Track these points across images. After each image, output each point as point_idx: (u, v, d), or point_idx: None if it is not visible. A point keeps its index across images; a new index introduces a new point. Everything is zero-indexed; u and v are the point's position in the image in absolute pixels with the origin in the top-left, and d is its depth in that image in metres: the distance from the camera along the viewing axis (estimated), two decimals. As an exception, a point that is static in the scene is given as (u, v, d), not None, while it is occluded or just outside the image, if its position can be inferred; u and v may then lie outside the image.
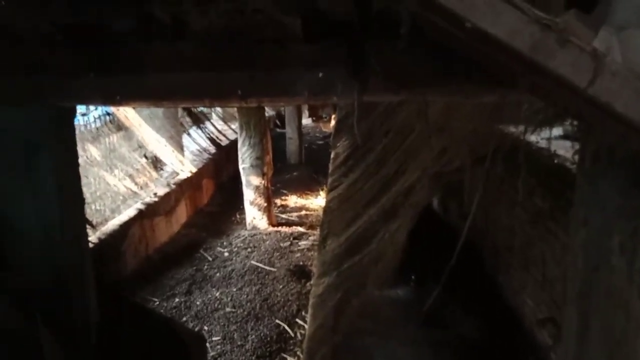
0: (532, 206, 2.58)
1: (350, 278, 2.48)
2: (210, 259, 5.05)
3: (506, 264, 3.25)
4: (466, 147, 2.17)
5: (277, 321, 3.77)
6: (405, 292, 3.84)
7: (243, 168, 5.74)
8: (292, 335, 3.58)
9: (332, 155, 5.40)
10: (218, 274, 4.64)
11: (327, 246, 3.08)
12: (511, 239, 3.11)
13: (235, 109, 6.71)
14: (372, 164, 3.65)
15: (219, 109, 10.10)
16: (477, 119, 2.39)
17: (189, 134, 7.77)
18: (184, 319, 3.86)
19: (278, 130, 12.46)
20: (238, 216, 6.42)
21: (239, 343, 3.51)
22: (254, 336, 3.57)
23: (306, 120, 13.93)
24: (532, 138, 2.62)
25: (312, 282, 2.94)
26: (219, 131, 8.99)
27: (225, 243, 5.48)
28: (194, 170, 6.68)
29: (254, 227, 5.82)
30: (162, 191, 5.64)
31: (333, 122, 11.83)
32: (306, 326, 3.03)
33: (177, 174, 6.38)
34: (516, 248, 3.07)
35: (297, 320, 3.77)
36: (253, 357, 3.37)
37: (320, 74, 1.46)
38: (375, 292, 3.48)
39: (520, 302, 2.98)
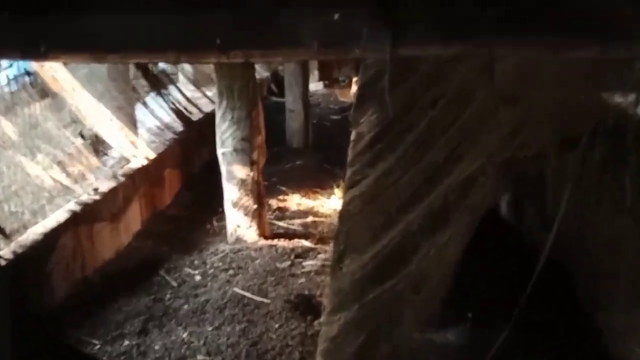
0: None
1: (377, 314, 2.49)
2: (174, 284, 5.05)
3: (608, 297, 3.22)
4: (550, 124, 2.16)
5: (272, 376, 3.79)
6: (458, 336, 3.85)
7: (223, 153, 5.76)
8: (293, 397, 3.58)
9: (352, 136, 5.41)
10: (186, 307, 4.63)
11: (345, 267, 3.09)
12: (616, 261, 3.09)
13: (213, 67, 6.71)
14: (411, 148, 3.66)
15: (188, 68, 10.13)
16: (567, 84, 2.37)
17: (145, 104, 7.81)
18: (137, 370, 3.89)
19: (274, 99, 12.48)
20: (215, 223, 6.41)
21: (216, 408, 3.51)
22: (237, 397, 3.58)
23: (315, 85, 13.93)
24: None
25: (322, 319, 2.94)
26: (189, 100, 9.02)
27: (196, 262, 5.48)
28: (152, 156, 6.71)
29: (239, 240, 5.83)
30: (105, 186, 5.67)
31: (354, 88, 11.86)
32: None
33: (128, 161, 6.42)
34: (623, 273, 3.05)
35: (300, 375, 3.77)
36: None
37: (336, 16, 1.46)
38: (415, 335, 3.48)
39: (626, 351, 2.96)
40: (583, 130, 1.82)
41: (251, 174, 5.79)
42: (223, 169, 5.82)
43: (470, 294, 4.19)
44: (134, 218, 6.12)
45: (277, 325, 4.29)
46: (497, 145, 2.52)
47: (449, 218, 2.55)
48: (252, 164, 5.78)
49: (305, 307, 4.52)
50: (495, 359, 3.59)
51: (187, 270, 5.32)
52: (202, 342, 4.13)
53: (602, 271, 3.28)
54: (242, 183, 5.77)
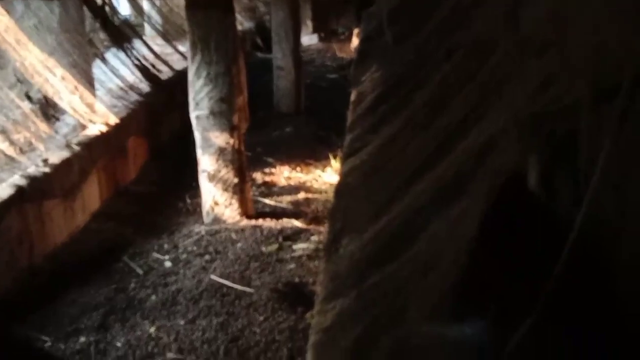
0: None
1: (378, 302, 2.49)
2: (140, 272, 5.09)
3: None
4: (586, 74, 2.15)
5: (255, 377, 3.81)
6: (476, 331, 3.88)
7: (197, 117, 5.75)
8: (280, 399, 3.62)
9: (352, 97, 5.42)
10: (154, 297, 4.66)
11: (342, 249, 3.10)
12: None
13: (185, 18, 6.65)
14: (421, 110, 3.66)
15: (156, 18, 10.08)
16: (606, 25, 2.35)
17: (104, 60, 7.79)
18: (95, 370, 3.89)
19: (260, 55, 12.46)
20: (188, 201, 6.47)
21: (188, 412, 3.55)
22: (214, 401, 3.61)
23: (309, 39, 13.90)
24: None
25: (314, 308, 2.96)
26: (157, 56, 9.01)
27: (166, 246, 5.52)
28: (113, 121, 6.71)
29: (217, 220, 5.87)
30: (57, 157, 5.66)
31: (355, 42, 11.85)
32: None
33: (84, 127, 6.40)
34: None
35: (289, 373, 3.80)
36: None
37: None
38: (423, 327, 3.49)
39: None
40: (623, 79, 1.80)
41: (231, 141, 5.78)
42: (197, 135, 5.81)
43: (492, 283, 4.22)
44: (92, 195, 6.13)
45: (261, 318, 4.32)
46: (522, 102, 2.51)
47: (464, 188, 2.55)
48: (232, 129, 5.77)
49: (295, 297, 4.56)
50: (518, 357, 3.62)
51: (155, 255, 5.35)
52: (172, 337, 4.16)
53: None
54: (221, 152, 5.77)
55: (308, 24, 14.04)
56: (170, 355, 4.00)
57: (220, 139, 5.75)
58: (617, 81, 2.07)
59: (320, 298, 2.92)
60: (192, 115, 5.78)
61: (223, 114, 5.72)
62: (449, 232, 2.40)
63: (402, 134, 3.56)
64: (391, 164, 3.40)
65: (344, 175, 3.82)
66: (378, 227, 2.96)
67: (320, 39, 14.13)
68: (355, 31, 11.87)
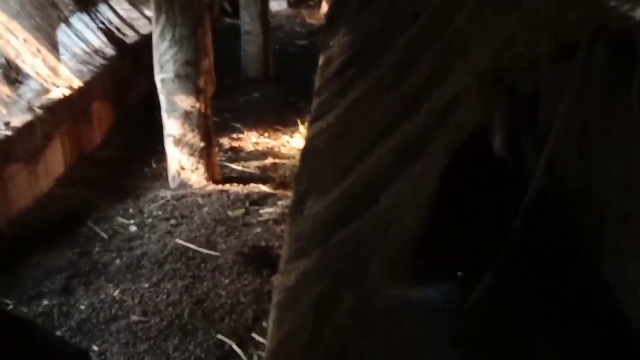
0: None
1: (342, 259, 2.51)
2: (104, 236, 5.07)
3: (617, 246, 3.28)
4: (549, 30, 2.16)
5: (220, 337, 3.83)
6: (441, 293, 3.92)
7: (163, 80, 5.70)
8: (245, 359, 3.63)
9: (320, 62, 5.40)
10: (118, 262, 4.67)
11: (307, 211, 3.11)
12: (627, 202, 3.13)
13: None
14: (388, 72, 3.67)
15: (122, -19, 9.94)
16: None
17: (68, 24, 7.67)
18: (59, 332, 3.85)
19: (228, 20, 12.33)
20: (154, 166, 6.44)
21: (152, 373, 3.57)
22: (178, 361, 3.63)
23: (278, 4, 13.80)
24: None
25: (279, 270, 2.98)
26: (123, 20, 8.88)
27: (131, 211, 5.51)
28: (78, 85, 6.62)
29: (183, 185, 5.86)
30: (20, 120, 5.58)
31: (325, 8, 11.77)
32: (267, 344, 3.09)
33: (48, 91, 6.32)
34: (635, 217, 3.10)
35: (254, 335, 3.82)
36: (177, 395, 3.45)
37: None
38: (385, 290, 3.53)
39: (638, 307, 3.03)
40: (583, 36, 1.82)
41: (197, 105, 5.74)
42: (163, 99, 5.77)
43: (455, 244, 4.26)
44: (56, 160, 6.06)
45: (227, 282, 4.35)
46: (486, 60, 2.53)
47: (427, 147, 2.56)
48: (198, 93, 5.73)
49: (261, 260, 4.59)
50: (477, 315, 3.66)
51: (121, 220, 5.34)
52: (137, 300, 4.18)
53: (611, 215, 3.33)
54: (187, 116, 5.73)
55: (277, -11, 13.95)
56: (134, 318, 4.01)
57: (186, 103, 5.71)
58: (578, 38, 2.09)
59: (285, 259, 2.93)
60: (157, 78, 5.73)
61: (189, 78, 5.67)
62: (411, 188, 2.42)
63: (368, 97, 3.56)
64: (357, 127, 3.42)
65: (311, 139, 3.82)
66: (343, 188, 2.97)
67: (290, 5, 14.03)
68: (325, -3, 11.82)
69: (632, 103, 2.43)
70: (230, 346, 3.73)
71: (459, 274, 4.09)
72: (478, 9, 2.81)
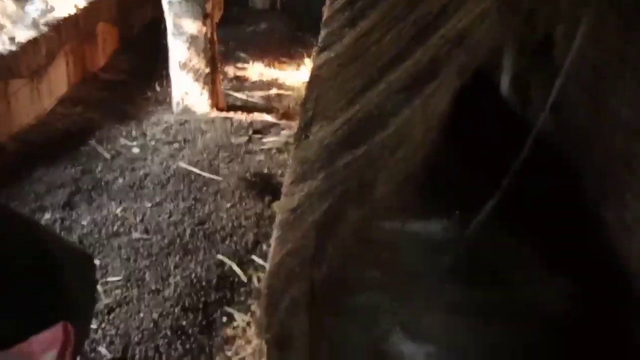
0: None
1: (347, 180, 2.53)
2: (107, 156, 5.10)
3: (619, 188, 3.30)
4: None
5: (220, 257, 3.88)
6: (441, 228, 3.96)
7: (169, 2, 5.64)
8: (244, 279, 3.69)
9: (329, -7, 5.28)
10: (120, 181, 4.71)
11: (312, 135, 3.13)
12: (633, 144, 3.14)
13: None
14: (401, 1, 3.64)
15: None
16: None
17: (75, -58, 7.57)
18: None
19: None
20: (158, 89, 6.42)
21: (152, 287, 3.61)
22: (178, 278, 3.67)
23: None
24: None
25: (283, 191, 3.01)
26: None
27: (134, 133, 5.51)
28: (83, 5, 6.54)
29: (187, 110, 5.86)
30: (23, 36, 5.53)
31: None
32: (267, 264, 3.13)
33: (53, 9, 6.26)
34: (638, 159, 3.12)
35: (254, 257, 3.88)
36: (175, 310, 3.47)
37: None
38: (389, 224, 3.58)
39: (636, 246, 3.06)
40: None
41: (204, 29, 5.70)
42: (169, 21, 5.71)
43: (460, 184, 4.28)
44: (60, 79, 6.03)
45: (228, 205, 4.39)
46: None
47: (438, 72, 2.56)
48: (205, 16, 5.68)
49: (263, 186, 4.63)
50: (484, 257, 3.71)
51: (123, 141, 5.35)
52: (138, 218, 4.23)
53: (615, 157, 3.35)
54: (193, 40, 5.69)
55: None
56: (136, 234, 4.05)
57: (193, 26, 5.66)
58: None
59: (289, 182, 2.96)
60: (164, 0, 5.68)
61: (196, 0, 5.62)
62: (421, 109, 2.43)
63: (379, 25, 3.53)
64: (366, 55, 3.40)
65: (317, 68, 3.80)
66: (350, 113, 2.98)
67: (300, -64, 13.82)
68: None
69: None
70: (230, 266, 3.78)
71: (457, 212, 4.13)
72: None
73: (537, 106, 4.10)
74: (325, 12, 4.85)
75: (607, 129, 3.43)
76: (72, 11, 6.34)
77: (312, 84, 3.83)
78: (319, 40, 3.99)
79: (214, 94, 5.90)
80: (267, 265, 3.01)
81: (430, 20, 3.06)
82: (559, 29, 2.93)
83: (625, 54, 3.02)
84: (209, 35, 5.74)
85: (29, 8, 6.35)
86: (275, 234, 2.78)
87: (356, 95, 3.08)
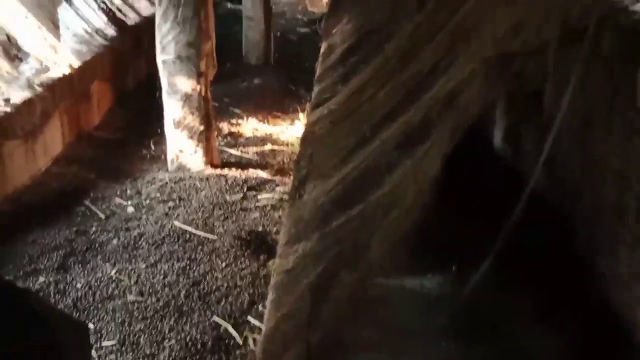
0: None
1: (341, 242, 2.54)
2: (102, 216, 5.08)
3: (611, 240, 3.31)
4: (556, 16, 2.20)
5: (215, 319, 3.83)
6: (437, 284, 3.95)
7: (164, 61, 5.69)
8: (239, 341, 3.63)
9: (322, 49, 5.38)
10: (115, 241, 4.68)
11: (307, 195, 3.13)
12: (624, 195, 3.17)
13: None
14: (392, 59, 3.67)
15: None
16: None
17: (70, 3, 7.67)
18: (55, 310, 3.90)
19: (230, 5, 12.33)
20: (153, 147, 6.44)
21: (147, 352, 3.55)
22: (173, 341, 3.62)
23: (281, -10, 13.80)
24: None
25: (277, 252, 3.00)
26: (124, 0, 8.88)
27: (129, 192, 5.51)
28: (77, 64, 6.62)
29: (181, 168, 5.87)
30: (19, 97, 5.57)
31: (327, -6, 11.74)
32: (263, 325, 3.11)
33: (48, 69, 6.32)
34: (631, 210, 3.13)
35: (250, 318, 3.82)
36: (170, 375, 3.45)
37: None
38: (383, 280, 3.57)
39: (632, 301, 3.06)
40: (589, 24, 1.85)
41: (198, 87, 5.74)
42: (164, 80, 5.76)
43: (455, 238, 4.28)
44: (55, 139, 6.06)
45: (223, 264, 4.36)
46: (493, 47, 2.55)
47: (429, 132, 2.59)
48: (199, 75, 5.73)
49: (258, 245, 4.60)
50: (480, 311, 3.70)
51: (118, 200, 5.34)
52: (133, 280, 4.19)
53: (607, 207, 3.37)
54: (187, 98, 5.74)
55: (280, -24, 13.93)
56: (130, 297, 4.01)
57: (187, 84, 5.71)
58: (584, 26, 2.12)
59: (283, 242, 2.96)
60: (159, 59, 5.72)
61: (190, 59, 5.66)
62: (413, 172, 2.45)
63: (371, 83, 3.57)
64: (359, 113, 3.42)
65: (311, 124, 3.82)
66: (343, 172, 3.00)
67: (292, -8, 14.03)
68: (328, -16, 11.79)
69: (632, 95, 2.46)
70: (226, 328, 3.72)
71: (454, 267, 4.13)
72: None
73: (530, 158, 4.13)
74: (318, 68, 4.89)
75: (598, 179, 3.45)
76: (67, 71, 6.41)
77: (305, 141, 3.84)
78: (313, 96, 4.01)
79: (208, 151, 5.93)
80: (263, 328, 3.00)
81: (421, 79, 3.09)
82: (548, 84, 2.96)
83: (613, 102, 3.07)
84: (203, 93, 5.79)
85: (23, 68, 6.41)
86: (270, 296, 2.77)
87: (349, 154, 3.10)
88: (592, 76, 2.84)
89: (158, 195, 5.40)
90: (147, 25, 7.05)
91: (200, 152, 5.88)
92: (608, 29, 2.13)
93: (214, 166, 5.96)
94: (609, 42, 2.49)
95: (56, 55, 6.48)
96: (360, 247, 2.45)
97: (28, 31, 6.32)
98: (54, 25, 6.78)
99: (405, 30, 3.75)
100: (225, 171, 5.89)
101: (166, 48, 5.65)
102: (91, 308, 3.93)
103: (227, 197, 5.33)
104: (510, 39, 2.34)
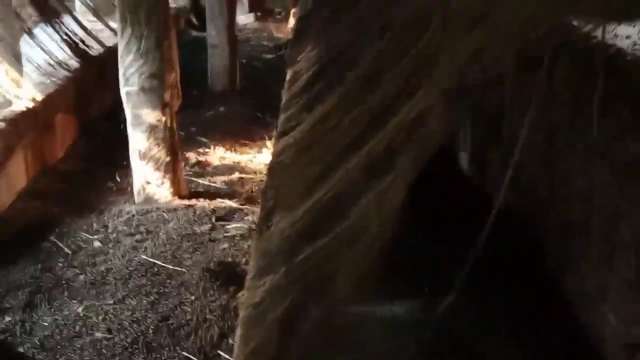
0: (623, 154, 2.65)
1: (308, 274, 2.52)
2: (68, 251, 5.03)
3: (578, 258, 3.34)
4: (513, 46, 2.21)
5: (185, 354, 3.81)
6: (405, 309, 3.95)
7: (128, 93, 5.67)
8: (210, 377, 3.63)
9: (287, 77, 5.39)
10: (82, 277, 4.64)
11: (273, 226, 3.12)
12: (587, 213, 3.19)
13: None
14: (355, 87, 3.69)
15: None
16: (532, 2, 2.43)
17: (31, 35, 7.63)
18: (21, 349, 3.84)
19: (195, 33, 12.35)
20: (119, 180, 6.39)
21: (117, 391, 3.54)
22: (144, 379, 3.62)
23: (245, 17, 13.82)
24: (627, 32, 2.67)
25: (245, 286, 2.98)
26: (87, 32, 8.85)
27: (95, 225, 5.46)
28: (40, 97, 6.58)
29: (148, 200, 5.83)
30: (-19, 133, 5.55)
31: (292, 22, 11.80)
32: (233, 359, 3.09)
33: (10, 103, 6.27)
34: (594, 227, 3.16)
35: (220, 352, 3.81)
36: (142, 414, 3.42)
37: None
38: (352, 307, 3.54)
39: (598, 317, 3.08)
40: (546, 51, 1.87)
41: (163, 118, 5.72)
42: (128, 112, 5.72)
43: (423, 261, 4.29)
44: (18, 173, 6.00)
45: (192, 297, 4.33)
46: (452, 76, 2.57)
47: (392, 163, 2.59)
48: (163, 106, 5.70)
49: (227, 276, 4.57)
50: (446, 329, 3.69)
51: (84, 235, 5.28)
52: (101, 317, 4.14)
53: (572, 225, 3.40)
54: (152, 129, 5.71)
55: (244, 3, 13.96)
56: (98, 334, 3.97)
57: (152, 116, 5.69)
58: (541, 54, 2.14)
59: (251, 275, 2.94)
60: (122, 91, 5.69)
61: (154, 91, 5.64)
62: (376, 204, 2.45)
63: (335, 111, 3.57)
64: (324, 141, 3.43)
65: (277, 154, 3.82)
66: (309, 203, 2.99)
67: (257, 18, 14.06)
68: (293, 11, 11.87)
69: (592, 117, 2.49)
70: (196, 364, 3.72)
71: (425, 289, 4.12)
72: (444, 24, 2.85)
73: (496, 179, 4.16)
74: (284, 96, 4.90)
75: (563, 198, 3.48)
76: (30, 104, 6.35)
77: (272, 171, 3.84)
78: (278, 124, 4.02)
79: (175, 182, 5.90)
80: (232, 363, 2.99)
81: (383, 108, 3.10)
82: (507, 110, 2.99)
83: (574, 123, 3.10)
84: (168, 123, 5.77)
85: (-15, 103, 6.36)
86: (238, 331, 2.74)
87: (315, 183, 3.09)
88: (556, 96, 2.88)
89: (125, 228, 5.35)
90: (111, 55, 7.01)
91: (167, 183, 5.85)
92: (566, 55, 2.16)
93: (181, 197, 5.92)
94: (566, 68, 2.52)
95: (18, 88, 6.42)
96: (327, 280, 2.44)
97: (-11, 65, 6.28)
98: (15, 59, 6.72)
99: (368, 57, 3.78)
100: (193, 201, 5.86)
101: (130, 80, 5.63)
102: (58, 347, 3.89)
103: (196, 228, 5.31)
104: (469, 68, 2.35)
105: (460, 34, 2.68)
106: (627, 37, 2.65)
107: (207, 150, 7.32)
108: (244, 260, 4.74)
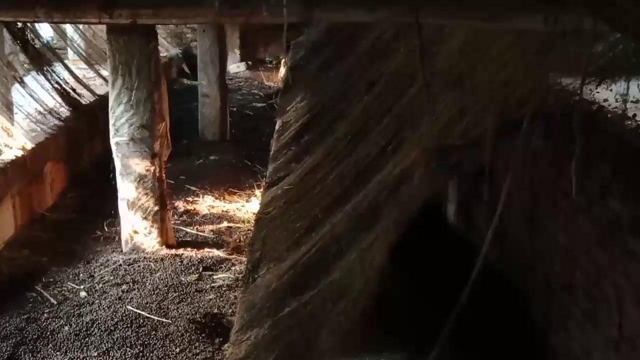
0: (604, 213, 2.69)
1: (291, 330, 2.55)
2: (54, 301, 5.01)
3: (563, 314, 3.37)
4: (494, 107, 2.27)
5: (169, 409, 3.79)
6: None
7: (117, 143, 5.70)
8: None
9: (277, 127, 5.44)
10: (67, 328, 4.60)
11: (260, 278, 3.14)
12: (572, 272, 3.23)
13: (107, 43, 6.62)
14: (343, 140, 3.74)
15: (79, 42, 9.98)
16: (513, 62, 2.50)
17: (22, 84, 7.66)
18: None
19: (186, 82, 12.46)
20: (106, 229, 6.39)
21: None
22: None
23: (237, 67, 13.96)
24: (604, 95, 2.73)
25: (230, 339, 2.99)
26: (79, 80, 8.90)
27: (82, 275, 5.45)
28: (30, 146, 6.60)
29: (136, 249, 5.83)
30: (-31, 182, 5.56)
31: (283, 71, 11.89)
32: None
33: (0, 152, 6.29)
34: (578, 286, 3.19)
35: (207, 409, 3.79)
36: None
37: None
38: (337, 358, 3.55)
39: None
40: (525, 114, 1.92)
41: (152, 168, 5.74)
42: (117, 162, 5.75)
43: (410, 314, 4.29)
44: (6, 222, 5.99)
45: (178, 350, 4.30)
46: (434, 136, 2.62)
47: (379, 217, 2.64)
48: (152, 156, 5.73)
49: (213, 327, 4.54)
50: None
51: (70, 285, 5.26)
52: (85, 370, 4.12)
53: (557, 283, 3.42)
54: (141, 179, 5.73)
55: (236, 52, 14.12)
56: (81, 388, 3.96)
57: (141, 166, 5.71)
58: (521, 115, 2.19)
59: (236, 329, 2.96)
60: (113, 141, 5.72)
61: (143, 141, 5.67)
62: (360, 262, 2.48)
63: (322, 164, 3.62)
64: (311, 194, 3.47)
65: (265, 205, 3.85)
66: (295, 257, 3.02)
67: (248, 67, 14.18)
68: (283, 60, 12.00)
69: (569, 180, 2.53)
70: (181, 418, 3.69)
71: (413, 343, 4.11)
72: (427, 83, 2.90)
73: (481, 233, 4.19)
74: (273, 146, 4.94)
75: (547, 253, 3.52)
76: (19, 153, 6.37)
77: (259, 222, 3.86)
78: (267, 174, 4.04)
79: (163, 232, 5.89)
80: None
81: (369, 163, 3.15)
82: (488, 170, 3.03)
83: (557, 181, 3.15)
84: (157, 173, 5.78)
85: (-25, 151, 6.38)
86: (223, 388, 2.75)
87: (302, 236, 3.12)
88: (538, 154, 2.92)
89: (111, 278, 5.33)
90: (102, 104, 7.06)
91: (155, 232, 5.85)
92: (545, 117, 2.21)
93: (169, 246, 5.92)
94: (545, 130, 2.57)
95: (9, 137, 6.45)
96: (312, 336, 2.46)
97: (-20, 114, 6.31)
98: (6, 108, 6.76)
99: (355, 110, 3.84)
100: (181, 251, 5.85)
101: (120, 130, 5.66)
102: (41, 401, 3.86)
103: (182, 278, 5.30)
104: (451, 128, 2.41)
105: (441, 94, 2.74)
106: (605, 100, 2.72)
107: (196, 198, 7.32)
108: (230, 311, 4.73)
